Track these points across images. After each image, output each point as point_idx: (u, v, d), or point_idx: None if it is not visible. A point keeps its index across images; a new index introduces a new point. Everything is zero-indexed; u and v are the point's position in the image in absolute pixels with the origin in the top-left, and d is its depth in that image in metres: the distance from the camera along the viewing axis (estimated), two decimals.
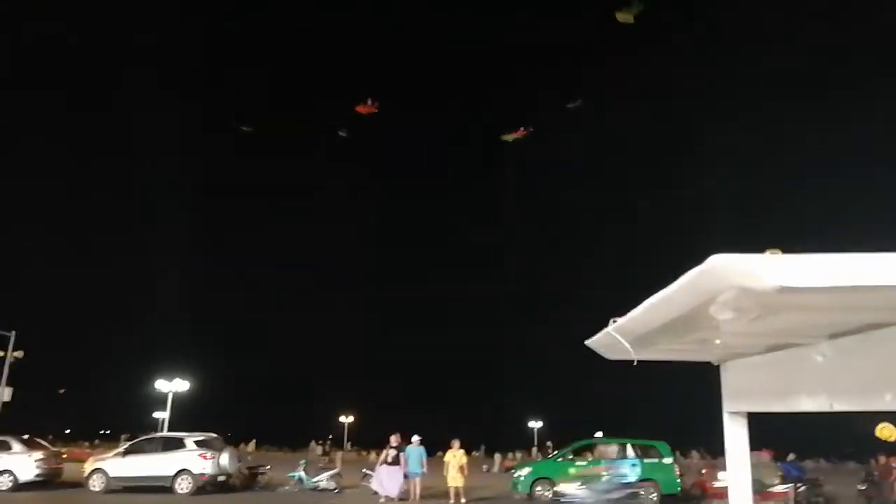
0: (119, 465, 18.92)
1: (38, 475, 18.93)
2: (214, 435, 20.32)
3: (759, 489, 11.67)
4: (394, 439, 18.06)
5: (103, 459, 19.67)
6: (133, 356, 70.54)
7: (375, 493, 17.95)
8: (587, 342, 2.23)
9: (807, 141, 79.79)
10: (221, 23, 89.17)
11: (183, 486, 18.31)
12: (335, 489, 20.04)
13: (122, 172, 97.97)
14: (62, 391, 59.75)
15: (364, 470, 20.50)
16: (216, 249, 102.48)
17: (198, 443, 19.01)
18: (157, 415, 37.68)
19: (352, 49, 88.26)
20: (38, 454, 19.30)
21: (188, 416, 36.33)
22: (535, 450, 52.40)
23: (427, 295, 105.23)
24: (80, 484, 18.96)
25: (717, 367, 2.42)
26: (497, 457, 42.58)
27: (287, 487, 20.26)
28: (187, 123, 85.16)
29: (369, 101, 23.90)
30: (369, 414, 64.65)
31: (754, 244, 1.23)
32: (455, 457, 18.30)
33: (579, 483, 13.14)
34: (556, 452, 22.93)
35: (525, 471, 19.59)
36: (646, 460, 18.52)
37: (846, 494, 19.14)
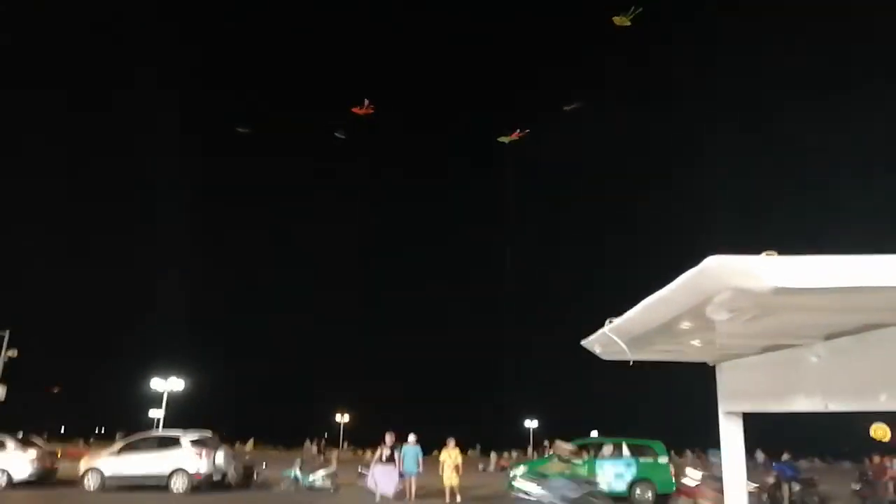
0: (114, 463, 18.87)
1: (32, 474, 18.88)
2: (210, 434, 20.29)
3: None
4: (388, 438, 18.05)
5: (98, 458, 19.63)
6: (129, 355, 70.53)
7: (371, 491, 17.95)
8: (583, 342, 2.23)
9: (807, 141, 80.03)
10: (221, 23, 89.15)
11: (178, 484, 18.28)
12: (331, 488, 20.03)
13: (122, 172, 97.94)
14: (57, 389, 59.56)
15: (359, 468, 20.50)
16: (215, 249, 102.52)
17: (193, 441, 18.98)
18: (152, 413, 37.62)
19: (351, 49, 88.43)
20: (33, 453, 19.23)
21: (184, 414, 36.38)
22: (530, 449, 52.51)
23: (425, 295, 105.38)
24: (75, 483, 18.90)
25: (713, 368, 2.43)
26: (493, 456, 42.68)
27: (283, 486, 20.24)
28: (187, 123, 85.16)
29: (366, 103, 23.89)
30: (365, 413, 64.78)
31: (754, 245, 1.23)
32: (451, 456, 18.31)
33: (537, 481, 13.12)
34: (550, 452, 22.95)
35: (520, 470, 19.59)
36: (641, 460, 18.58)
37: (841, 494, 19.22)
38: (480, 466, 37.57)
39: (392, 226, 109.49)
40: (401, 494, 17.82)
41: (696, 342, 1.82)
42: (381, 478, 17.60)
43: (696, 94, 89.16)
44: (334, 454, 35.27)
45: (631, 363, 2.20)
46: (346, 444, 63.67)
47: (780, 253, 1.19)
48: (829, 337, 1.63)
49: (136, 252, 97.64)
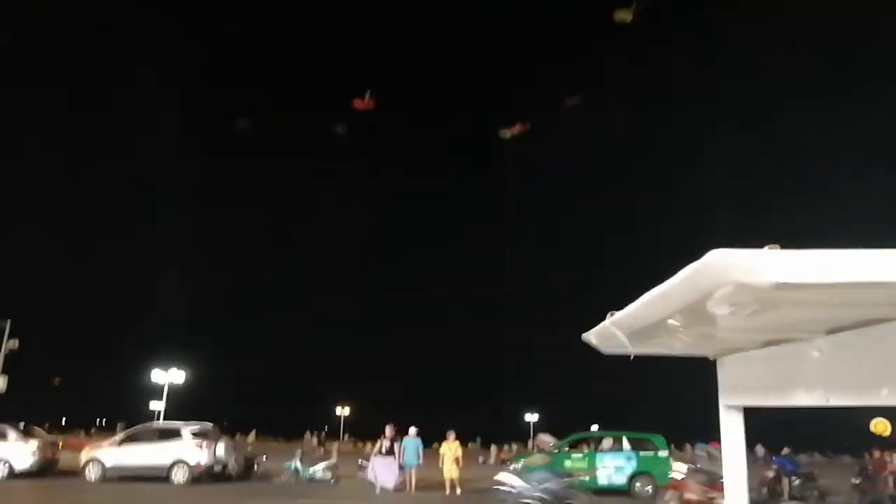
0: (115, 454, 18.95)
1: (34, 464, 18.95)
2: (210, 425, 20.35)
3: (712, 480, 11.74)
4: (388, 430, 18.09)
5: (99, 449, 19.70)
6: (131, 347, 70.67)
7: (371, 483, 18.01)
8: (583, 336, 2.23)
9: (807, 141, 79.93)
10: (221, 23, 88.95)
11: (179, 475, 18.36)
12: (331, 480, 20.10)
13: (122, 172, 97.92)
14: (58, 381, 59.69)
15: (360, 461, 20.56)
16: (215, 248, 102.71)
17: (194, 433, 19.04)
18: (153, 405, 37.73)
19: (351, 49, 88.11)
20: (34, 443, 19.29)
21: (185, 406, 36.45)
22: (531, 442, 52.63)
23: (425, 294, 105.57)
24: (76, 473, 18.98)
25: (714, 362, 2.42)
26: (493, 449, 42.78)
27: (283, 478, 20.31)
28: (187, 123, 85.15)
29: (367, 96, 23.72)
30: (366, 406, 64.91)
31: (756, 242, 1.23)
32: (451, 449, 18.36)
33: (518, 473, 13.19)
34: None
35: (521, 463, 19.64)
36: (641, 453, 18.61)
37: (841, 488, 19.24)
38: (481, 459, 37.65)
39: (392, 225, 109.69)
40: (401, 486, 17.88)
41: (697, 336, 1.82)
42: (381, 470, 17.66)
43: (696, 94, 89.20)
44: (335, 446, 35.42)
45: (632, 357, 2.20)
46: (346, 437, 63.88)
47: (783, 247, 1.19)
48: (830, 331, 1.63)
49: (136, 251, 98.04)
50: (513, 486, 12.20)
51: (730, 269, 1.16)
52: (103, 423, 70.04)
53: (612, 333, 1.93)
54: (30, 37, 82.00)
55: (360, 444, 55.90)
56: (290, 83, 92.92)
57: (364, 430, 55.45)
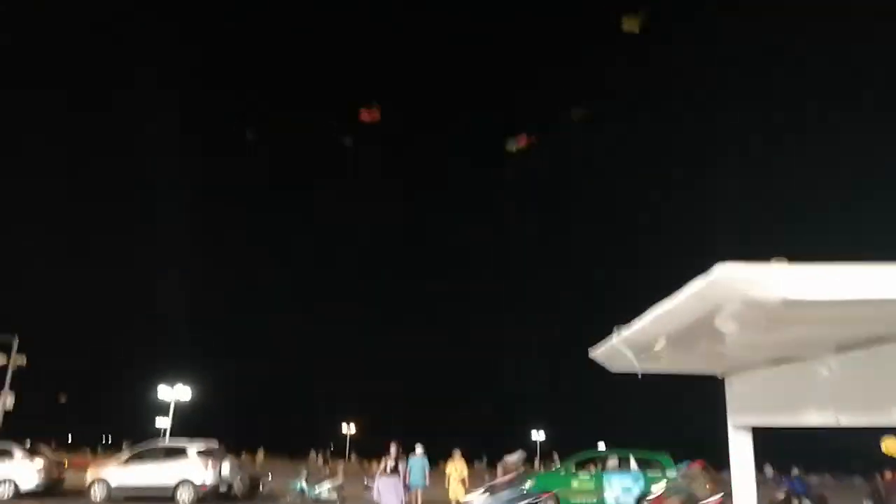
0: (120, 474, 18.85)
1: (39, 484, 18.85)
2: (216, 443, 20.25)
3: (692, 501, 11.65)
4: (393, 448, 17.92)
5: (105, 468, 19.61)
6: (136, 363, 70.71)
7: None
8: (591, 354, 2.21)
9: (820, 151, 79.85)
10: (221, 23, 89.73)
11: (184, 495, 18.25)
12: (336, 500, 19.93)
13: (124, 176, 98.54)
14: (63, 399, 59.65)
15: (366, 481, 20.40)
16: (220, 259, 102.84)
17: (199, 452, 18.95)
18: (159, 423, 37.61)
19: (350, 49, 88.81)
20: (40, 462, 19.21)
21: (191, 423, 36.36)
22: (537, 461, 52.19)
23: (431, 305, 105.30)
24: (81, 493, 18.89)
25: (722, 381, 2.40)
26: (499, 468, 42.39)
27: (289, 499, 20.16)
28: (187, 123, 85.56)
29: (373, 107, 23.77)
30: (372, 424, 64.61)
31: (761, 254, 1.21)
32: (456, 469, 18.19)
33: (484, 493, 13.17)
34: (558, 464, 22.81)
35: (527, 483, 19.45)
36: (649, 473, 18.41)
37: None
38: (486, 479, 37.35)
39: (396, 233, 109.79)
40: None
41: (705, 354, 1.80)
42: (386, 491, 17.47)
43: (701, 105, 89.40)
44: (340, 466, 35.16)
45: (640, 376, 2.18)
46: (352, 456, 63.46)
47: (790, 261, 1.17)
48: (840, 349, 1.61)
49: (139, 259, 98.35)
50: None
51: (738, 284, 1.15)
52: (109, 441, 69.88)
53: (619, 351, 1.91)
54: (30, 37, 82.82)
55: (366, 464, 55.52)
56: (290, 83, 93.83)
57: (370, 449, 55.12)
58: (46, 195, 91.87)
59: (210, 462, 18.67)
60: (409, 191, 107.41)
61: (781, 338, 1.49)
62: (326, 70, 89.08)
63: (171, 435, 33.57)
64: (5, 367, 28.74)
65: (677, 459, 17.71)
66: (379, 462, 18.68)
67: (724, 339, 1.48)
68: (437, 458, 20.97)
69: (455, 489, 17.94)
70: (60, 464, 21.18)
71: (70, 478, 20.88)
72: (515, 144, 22.99)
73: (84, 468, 21.33)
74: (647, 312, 1.58)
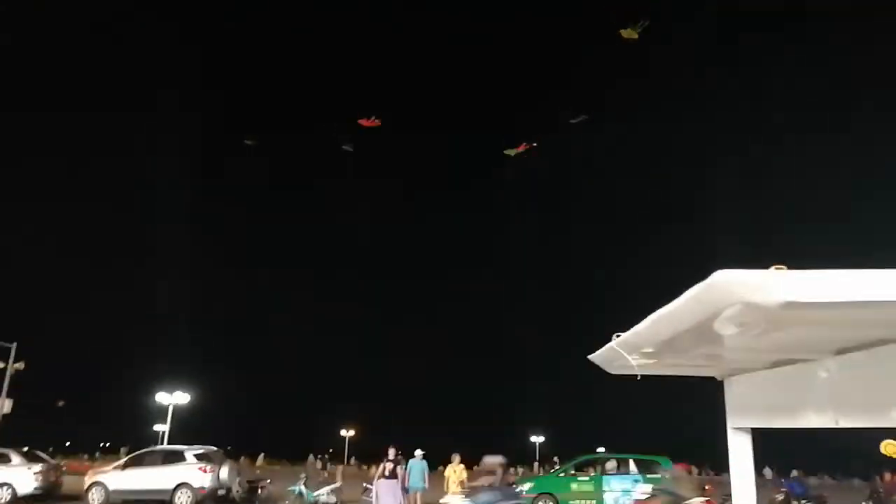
0: (118, 478, 18.82)
1: (37, 488, 18.79)
2: (214, 448, 20.22)
3: (675, 501, 11.67)
4: (391, 452, 17.90)
5: (103, 473, 19.58)
6: (134, 367, 70.55)
7: None
8: (590, 357, 2.22)
9: (819, 157, 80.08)
10: (222, 23, 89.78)
11: (182, 499, 18.21)
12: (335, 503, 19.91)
13: (124, 177, 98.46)
14: (61, 404, 59.57)
15: (364, 484, 20.36)
16: (219, 260, 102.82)
17: (197, 456, 18.92)
18: (157, 427, 37.56)
19: (354, 56, 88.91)
20: (38, 467, 19.15)
21: (190, 428, 36.30)
22: (536, 464, 52.20)
23: (431, 307, 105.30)
24: (79, 497, 18.85)
25: (721, 383, 2.40)
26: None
27: (287, 502, 20.12)
28: (187, 126, 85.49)
29: (373, 117, 23.92)
30: (371, 428, 64.53)
31: (762, 262, 1.22)
32: (455, 472, 18.17)
33: (463, 495, 13.15)
34: (558, 467, 22.83)
35: (526, 486, 19.46)
36: (648, 476, 18.41)
37: None
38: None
39: (398, 237, 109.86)
40: None
41: (704, 357, 1.80)
42: (384, 494, 17.45)
43: (699, 112, 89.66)
44: (339, 469, 35.12)
45: (638, 378, 2.18)
46: (352, 459, 63.36)
47: (790, 267, 1.18)
48: (839, 352, 1.61)
49: (138, 262, 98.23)
50: None
51: (736, 288, 1.16)
52: (107, 447, 69.67)
53: (618, 354, 1.91)
54: (31, 38, 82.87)
55: (364, 467, 55.45)
56: (291, 83, 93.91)
57: (369, 453, 55.08)
58: (46, 196, 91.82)
59: (208, 466, 18.64)
60: (409, 191, 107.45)
61: (780, 340, 1.50)
62: (326, 70, 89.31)
63: (169, 440, 33.51)
64: (3, 373, 28.71)
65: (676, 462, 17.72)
66: (377, 466, 18.64)
67: (724, 342, 1.49)
68: (436, 462, 20.96)
69: (454, 492, 17.91)
70: (58, 468, 21.13)
71: (68, 482, 20.81)
72: (514, 150, 23.08)
73: (82, 473, 21.30)
74: (646, 317, 1.58)
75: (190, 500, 18.17)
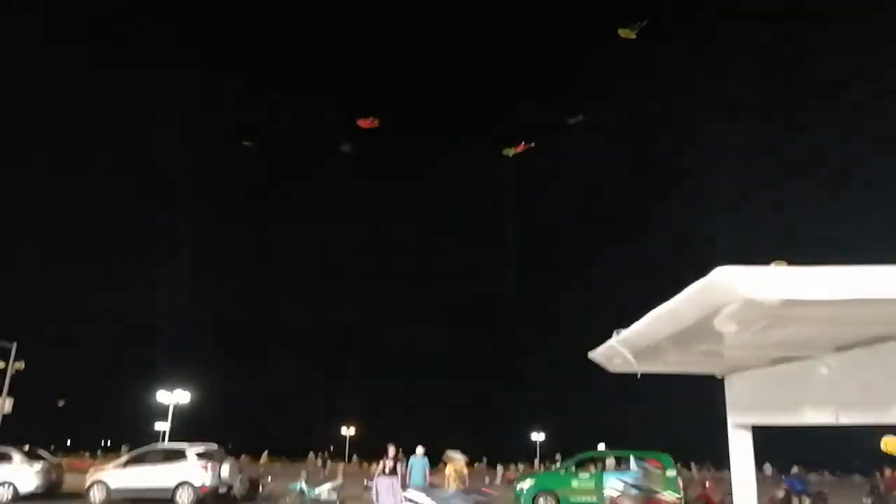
0: (120, 476, 18.83)
1: (38, 486, 18.84)
2: (216, 446, 20.23)
3: (648, 496, 11.70)
4: (391, 449, 17.91)
5: (104, 471, 19.59)
6: (136, 366, 70.61)
7: None
8: (590, 354, 2.21)
9: (817, 153, 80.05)
10: (222, 23, 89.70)
11: (184, 497, 18.22)
12: (337, 501, 19.92)
13: (124, 178, 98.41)
14: (62, 402, 59.55)
15: (366, 481, 20.40)
16: (219, 259, 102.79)
17: (199, 454, 18.93)
18: (158, 426, 37.55)
19: (354, 55, 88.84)
20: (39, 465, 19.20)
21: (191, 427, 36.32)
22: (537, 462, 52.24)
23: (431, 306, 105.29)
24: (80, 495, 18.86)
25: (722, 381, 2.40)
26: (499, 469, 42.41)
27: (289, 500, 20.14)
28: (188, 125, 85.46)
29: (371, 118, 24.03)
30: (372, 426, 64.57)
31: (762, 259, 1.22)
32: (456, 469, 18.19)
33: (425, 493, 13.18)
34: (558, 464, 22.85)
35: (527, 483, 19.48)
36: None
37: None
38: (487, 479, 37.32)
39: (398, 236, 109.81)
40: None
41: (704, 354, 1.80)
42: (384, 491, 17.46)
43: (696, 106, 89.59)
44: (340, 467, 35.16)
45: (639, 375, 2.18)
46: (353, 457, 63.41)
47: (790, 264, 1.18)
48: (839, 348, 1.61)
49: (138, 262, 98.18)
50: (420, 503, 12.25)
51: (737, 285, 1.16)
52: (108, 445, 69.73)
53: (618, 352, 1.91)
54: (31, 38, 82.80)
55: (365, 465, 55.50)
56: (291, 83, 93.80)
57: (371, 451, 55.14)
58: (45, 196, 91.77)
59: (209, 464, 18.65)
60: (409, 190, 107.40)
61: (781, 337, 1.50)
62: (326, 70, 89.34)
63: (170, 438, 33.52)
64: (4, 372, 28.72)
65: (677, 460, 17.76)
66: (378, 463, 18.64)
67: (724, 340, 1.48)
68: (437, 459, 20.95)
69: (455, 488, 17.92)
70: (59, 467, 21.16)
71: (69, 480, 20.85)
72: (513, 150, 23.12)
73: (83, 471, 21.31)
74: (647, 314, 1.58)
75: (191, 498, 18.19)
